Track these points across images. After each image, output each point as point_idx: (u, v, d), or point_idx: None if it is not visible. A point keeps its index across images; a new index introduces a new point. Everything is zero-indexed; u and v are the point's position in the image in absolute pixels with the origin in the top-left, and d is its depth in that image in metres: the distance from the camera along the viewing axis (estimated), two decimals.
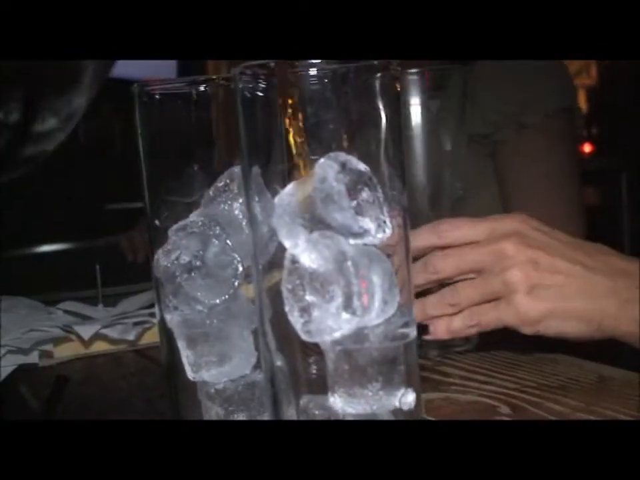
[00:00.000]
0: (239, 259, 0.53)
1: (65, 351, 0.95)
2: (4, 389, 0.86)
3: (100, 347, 0.97)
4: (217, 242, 0.52)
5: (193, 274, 0.52)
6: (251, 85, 0.48)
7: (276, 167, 0.48)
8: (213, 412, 0.54)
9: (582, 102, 5.52)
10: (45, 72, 0.38)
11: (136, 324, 0.98)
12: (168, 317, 0.53)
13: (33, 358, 0.92)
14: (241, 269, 0.53)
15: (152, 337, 0.97)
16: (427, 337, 0.78)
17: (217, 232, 0.52)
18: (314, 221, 0.44)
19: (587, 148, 4.05)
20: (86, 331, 0.94)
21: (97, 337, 0.96)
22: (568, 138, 1.47)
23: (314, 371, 0.47)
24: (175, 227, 0.53)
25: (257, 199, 0.48)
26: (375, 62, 0.47)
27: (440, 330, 0.77)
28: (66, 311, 1.03)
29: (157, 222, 0.58)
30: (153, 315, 0.96)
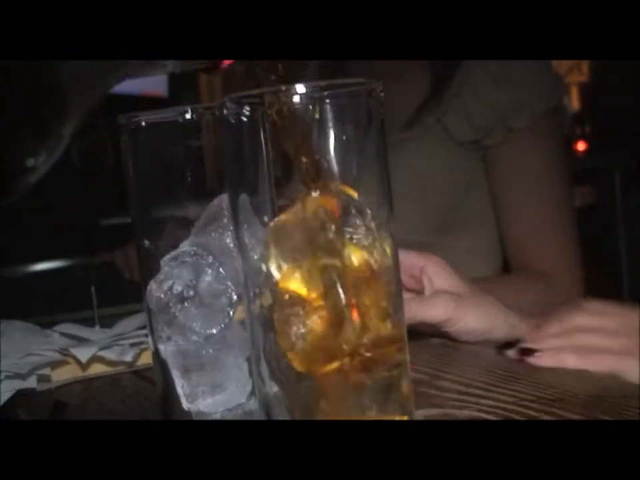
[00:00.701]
0: (232, 287, 0.53)
1: (62, 375, 0.95)
2: (3, 414, 0.86)
3: (98, 369, 0.96)
4: (210, 271, 0.52)
5: (186, 304, 0.52)
6: (236, 112, 0.48)
7: (264, 194, 0.48)
8: None
9: (574, 99, 5.53)
10: (28, 106, 0.37)
11: (133, 345, 0.98)
12: (162, 347, 0.54)
13: (31, 383, 0.92)
14: (235, 297, 0.53)
15: (149, 357, 0.97)
16: (531, 360, 0.81)
17: (210, 261, 0.52)
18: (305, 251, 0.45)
19: (581, 146, 4.05)
20: (83, 354, 0.94)
21: (94, 359, 0.95)
22: (556, 138, 1.50)
23: (308, 398, 0.47)
24: (167, 257, 0.53)
25: (245, 226, 0.49)
26: (361, 87, 0.48)
27: (547, 360, 0.80)
28: (62, 334, 1.02)
29: (146, 242, 0.58)
30: None
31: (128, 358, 0.95)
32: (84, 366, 0.95)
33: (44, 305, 1.16)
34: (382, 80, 1.47)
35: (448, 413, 0.72)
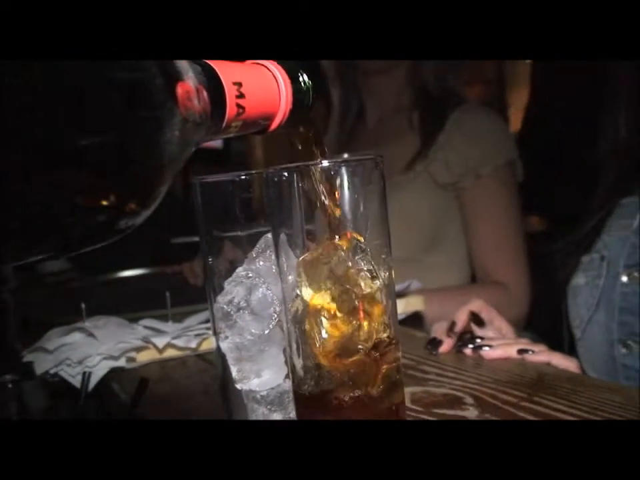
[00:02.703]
0: (276, 300, 0.53)
1: (145, 357, 0.96)
2: (101, 386, 0.88)
3: (170, 353, 0.97)
4: (260, 289, 0.52)
5: (241, 312, 0.52)
6: (278, 175, 0.49)
7: (297, 234, 0.49)
8: (260, 412, 0.54)
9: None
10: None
11: (197, 335, 0.98)
12: (222, 344, 0.54)
13: (122, 363, 0.93)
14: (278, 308, 0.53)
15: (208, 344, 0.98)
16: (484, 353, 0.82)
17: (260, 281, 0.53)
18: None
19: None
20: (160, 341, 0.95)
21: (168, 345, 0.96)
22: (511, 183, 1.50)
23: (326, 383, 0.47)
24: (229, 279, 0.53)
25: (284, 256, 0.49)
26: (370, 161, 0.48)
27: (497, 353, 0.81)
28: (145, 327, 1.03)
29: (209, 259, 0.58)
30: (209, 328, 0.97)
31: (193, 345, 0.96)
32: (160, 350, 0.96)
33: (131, 305, 1.16)
34: (387, 140, 1.46)
35: (429, 390, 0.73)
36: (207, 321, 1.02)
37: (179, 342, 0.97)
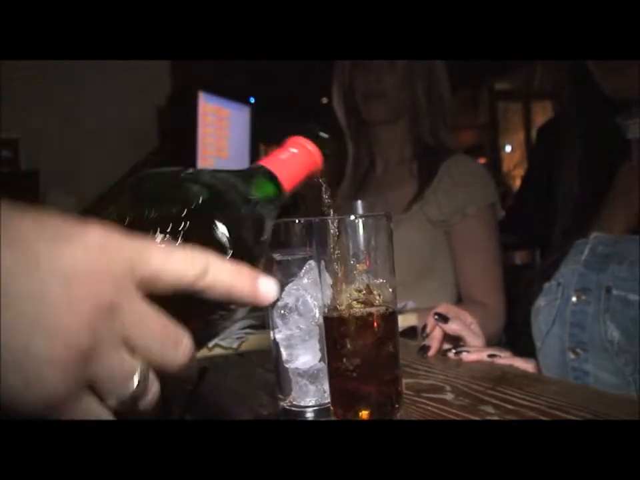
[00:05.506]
0: (317, 305, 0.66)
1: (197, 354, 1.07)
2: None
3: (217, 351, 1.08)
4: (306, 297, 0.66)
5: (292, 313, 0.66)
6: (320, 220, 0.64)
7: (332, 262, 0.64)
8: (303, 383, 0.66)
9: (517, 187, 5.57)
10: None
11: (237, 338, 1.09)
12: (277, 335, 0.67)
13: None
14: (317, 312, 0.66)
15: (246, 346, 1.08)
16: (463, 356, 0.95)
17: (306, 292, 0.66)
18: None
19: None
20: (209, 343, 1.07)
21: (215, 346, 1.07)
22: (492, 221, 1.62)
23: (348, 363, 0.62)
24: (284, 291, 0.67)
25: (323, 277, 0.64)
26: (382, 215, 0.63)
27: (473, 357, 0.95)
28: None
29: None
30: (247, 333, 1.10)
31: (234, 345, 1.07)
32: (210, 349, 1.06)
33: None
34: (390, 186, 1.61)
35: (419, 382, 0.84)
36: (244, 328, 1.14)
37: (224, 343, 1.07)
